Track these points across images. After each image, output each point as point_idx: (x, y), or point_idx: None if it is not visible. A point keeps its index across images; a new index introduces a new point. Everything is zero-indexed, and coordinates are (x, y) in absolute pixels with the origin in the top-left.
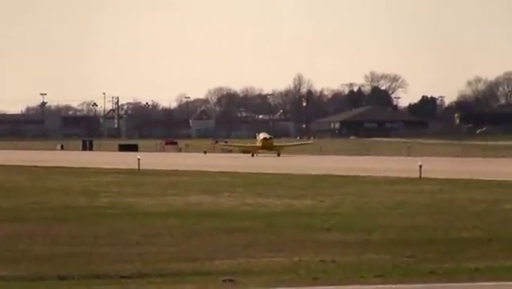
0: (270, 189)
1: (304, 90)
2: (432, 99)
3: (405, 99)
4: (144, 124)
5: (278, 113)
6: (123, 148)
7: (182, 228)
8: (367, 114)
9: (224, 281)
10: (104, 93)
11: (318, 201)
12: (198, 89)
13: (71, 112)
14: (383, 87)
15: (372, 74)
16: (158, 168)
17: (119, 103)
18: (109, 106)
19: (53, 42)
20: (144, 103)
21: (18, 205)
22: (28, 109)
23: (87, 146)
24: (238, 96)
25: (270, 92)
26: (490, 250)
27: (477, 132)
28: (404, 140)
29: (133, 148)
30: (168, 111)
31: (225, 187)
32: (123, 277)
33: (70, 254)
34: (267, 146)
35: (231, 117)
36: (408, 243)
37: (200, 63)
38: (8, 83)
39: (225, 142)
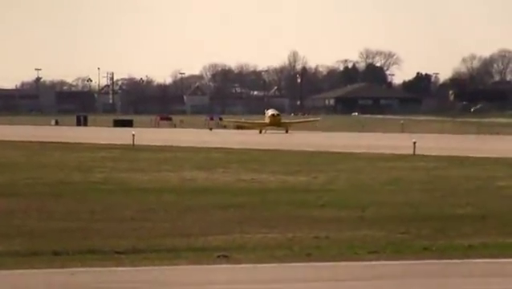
0: (264, 165)
1: (299, 66)
2: (427, 76)
3: (400, 76)
4: (138, 100)
5: (273, 89)
6: (118, 123)
7: (177, 204)
8: (362, 91)
9: (218, 257)
10: (99, 69)
11: (313, 178)
12: (193, 65)
13: (65, 88)
14: (377, 64)
15: (367, 50)
16: (153, 144)
17: (114, 79)
18: (104, 81)
19: (48, 18)
20: (138, 78)
21: (13, 180)
22: (23, 84)
23: (82, 122)
24: (233, 72)
25: (265, 69)
26: (484, 227)
27: (472, 109)
28: (398, 117)
29: (128, 123)
30: (162, 87)
31: (219, 163)
32: (117, 252)
33: (64, 230)
34: (275, 123)
35: (225, 93)
36: (402, 220)
37: (195, 39)
38: (3, 59)
39: (220, 118)
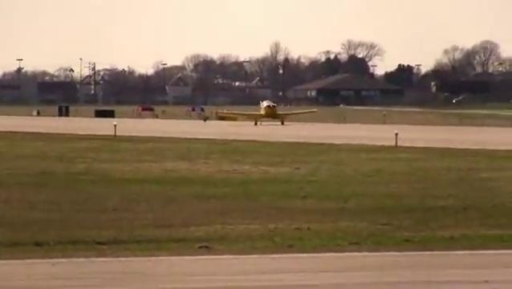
0: (246, 156)
1: (281, 57)
2: (409, 68)
3: (382, 67)
4: (120, 91)
5: (255, 80)
6: (100, 114)
7: (158, 194)
8: (344, 82)
9: (200, 248)
10: (81, 59)
11: (295, 169)
12: (175, 56)
13: (47, 78)
14: (359, 56)
15: (349, 42)
16: (135, 135)
17: (96, 69)
18: (86, 72)
19: (29, 8)
20: (120, 69)
21: None
22: (4, 74)
23: (64, 112)
24: (215, 63)
25: (247, 60)
26: (465, 219)
27: (454, 100)
28: (380, 108)
29: (110, 114)
30: (144, 78)
31: (202, 154)
32: (98, 243)
33: (45, 220)
34: (271, 114)
35: (208, 84)
36: (383, 211)
37: (177, 29)
38: None
39: (202, 109)
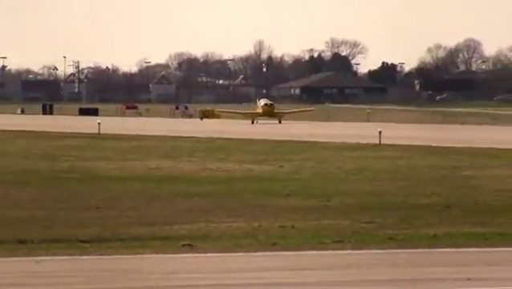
0: (230, 154)
1: (265, 56)
2: (392, 66)
3: (365, 65)
4: (104, 89)
5: (239, 79)
6: (84, 112)
7: (142, 192)
8: (328, 80)
9: (183, 246)
10: (65, 57)
11: (278, 167)
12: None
13: (31, 76)
14: (343, 54)
15: (333, 40)
16: (119, 133)
17: (80, 68)
18: (70, 70)
19: (13, 6)
20: (104, 67)
21: None
22: None
23: (48, 110)
24: (199, 61)
25: (231, 58)
26: (449, 217)
27: (437, 98)
28: (364, 106)
29: (93, 112)
30: (128, 76)
31: (186, 152)
32: (82, 241)
33: (29, 218)
34: (268, 112)
35: (192, 82)
36: (367, 209)
37: (161, 27)
38: None
39: (186, 107)
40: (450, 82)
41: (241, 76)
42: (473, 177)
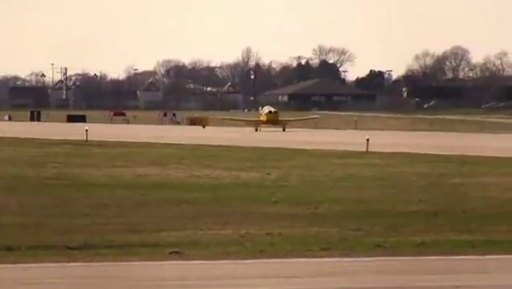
0: (218, 161)
1: (252, 63)
2: (380, 73)
3: (353, 72)
4: (92, 95)
5: (227, 86)
6: (72, 118)
7: (130, 199)
8: (315, 87)
9: (170, 253)
10: (53, 64)
11: (266, 174)
12: (147, 61)
13: (19, 83)
14: (331, 61)
15: (320, 47)
16: (106, 139)
17: (68, 74)
18: (58, 77)
19: (0, 12)
20: (92, 74)
21: None
22: None
23: (35, 117)
24: (187, 68)
25: (219, 65)
26: (436, 224)
27: (425, 105)
28: (351, 113)
29: (81, 119)
30: (116, 83)
31: (173, 159)
32: (70, 248)
33: (17, 225)
34: (272, 120)
35: (180, 89)
36: (354, 216)
37: (148, 34)
38: None
39: (174, 114)
40: (438, 89)
41: (229, 83)
42: (461, 184)
